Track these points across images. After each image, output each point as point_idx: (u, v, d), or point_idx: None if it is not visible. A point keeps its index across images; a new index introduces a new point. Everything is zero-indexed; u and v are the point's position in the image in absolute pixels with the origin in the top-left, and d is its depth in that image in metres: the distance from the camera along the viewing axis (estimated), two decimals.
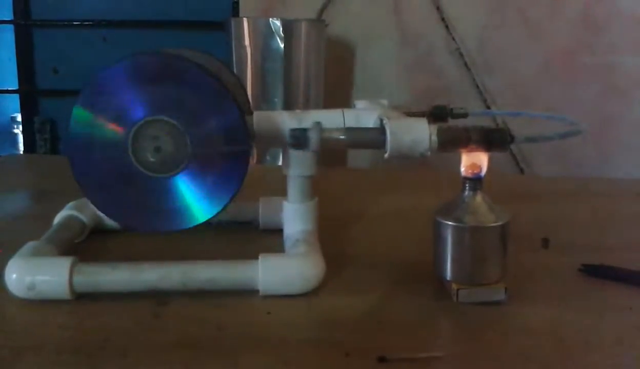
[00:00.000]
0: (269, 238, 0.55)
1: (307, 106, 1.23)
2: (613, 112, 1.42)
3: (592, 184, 0.83)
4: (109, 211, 0.43)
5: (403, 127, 0.42)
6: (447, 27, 1.43)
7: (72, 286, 0.43)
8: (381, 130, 0.43)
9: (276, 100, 1.22)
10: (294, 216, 0.51)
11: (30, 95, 1.66)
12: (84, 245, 0.53)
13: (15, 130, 1.67)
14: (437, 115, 0.57)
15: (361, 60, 1.46)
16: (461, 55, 1.42)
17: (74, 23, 1.64)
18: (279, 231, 0.54)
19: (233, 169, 0.43)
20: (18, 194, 0.74)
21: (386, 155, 0.43)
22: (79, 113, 0.42)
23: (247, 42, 1.23)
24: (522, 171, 1.44)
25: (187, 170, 0.42)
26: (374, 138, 0.43)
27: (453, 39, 1.43)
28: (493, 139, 0.43)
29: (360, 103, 0.55)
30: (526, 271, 0.49)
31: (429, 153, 0.42)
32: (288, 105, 1.21)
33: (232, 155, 0.43)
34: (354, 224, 0.61)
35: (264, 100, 1.21)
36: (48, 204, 0.60)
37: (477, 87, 1.41)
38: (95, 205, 0.43)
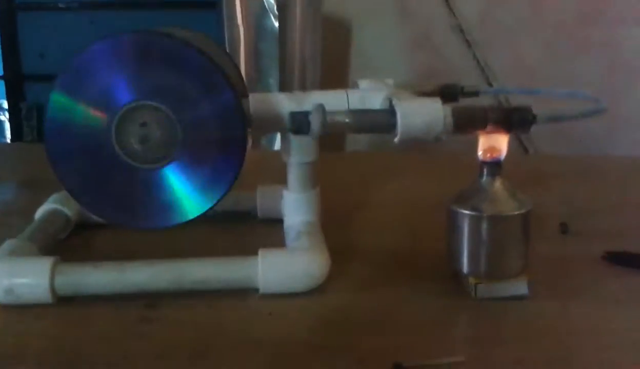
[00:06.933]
0: (268, 230, 0.51)
1: (303, 87, 1.18)
2: (619, 87, 1.37)
3: (602, 163, 0.80)
4: (91, 206, 0.39)
5: (415, 109, 0.38)
6: (447, 1, 1.38)
7: (54, 289, 0.39)
8: (391, 112, 0.39)
9: (271, 81, 1.17)
10: (295, 207, 0.47)
11: (16, 80, 1.61)
12: (68, 242, 0.49)
13: (2, 117, 1.62)
14: (446, 94, 0.53)
15: (358, 38, 1.41)
16: (462, 31, 1.37)
17: (60, 6, 1.59)
18: (279, 221, 0.51)
19: (228, 159, 0.39)
20: (4, 185, 0.70)
21: (396, 140, 0.39)
22: (57, 98, 0.38)
23: (239, 21, 1.18)
24: (526, 150, 1.40)
25: (178, 160, 0.38)
26: (383, 121, 0.39)
27: (453, 14, 1.38)
28: (514, 119, 0.39)
29: (363, 83, 0.51)
30: (546, 260, 0.45)
31: (444, 136, 0.38)
32: (284, 87, 1.17)
33: (228, 143, 0.39)
34: (357, 213, 0.57)
35: (259, 82, 1.17)
36: (36, 195, 0.55)
37: (479, 64, 1.36)
38: (76, 199, 0.39)
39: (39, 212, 0.50)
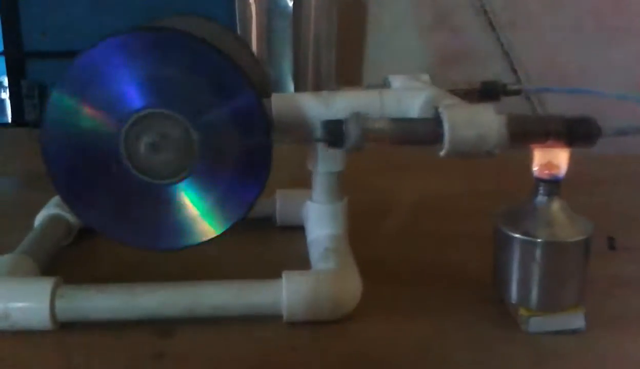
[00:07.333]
0: (289, 239, 0.47)
1: (318, 70, 1.13)
2: None
3: None
4: (95, 224, 0.35)
5: (465, 118, 0.33)
6: None
7: (55, 315, 0.35)
8: (436, 121, 0.34)
9: (284, 63, 1.12)
10: (320, 219, 0.42)
11: (16, 58, 1.55)
12: (70, 251, 0.45)
13: (3, 95, 1.57)
14: (487, 92, 0.48)
15: (374, 18, 1.34)
16: (486, 12, 1.30)
17: None
18: (300, 228, 0.46)
19: (251, 171, 0.35)
20: (7, 181, 0.65)
21: (442, 153, 0.34)
22: (59, 100, 0.34)
23: None
24: None
25: (194, 174, 0.34)
26: (427, 133, 0.34)
27: None
28: (577, 132, 0.34)
29: (396, 80, 0.46)
30: (596, 283, 0.41)
31: (497, 150, 0.34)
32: (297, 69, 1.11)
33: (251, 154, 0.34)
34: (383, 219, 0.53)
35: (271, 65, 1.11)
36: (41, 193, 0.51)
37: (503, 48, 1.30)
38: (78, 216, 0.35)
39: (39, 218, 0.45)
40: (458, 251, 0.46)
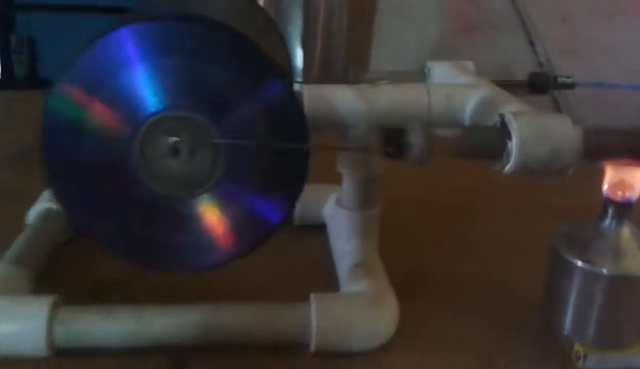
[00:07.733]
0: (309, 242, 0.42)
1: (328, 35, 1.06)
2: None
3: None
4: (105, 244, 0.30)
5: (538, 131, 0.28)
6: None
7: (53, 341, 0.30)
8: (502, 131, 0.29)
9: (293, 29, 1.05)
10: (350, 228, 0.38)
11: (6, 10, 1.46)
12: (66, 254, 0.40)
13: None
14: (535, 84, 0.43)
15: None
16: None
17: None
18: (320, 228, 0.42)
19: (282, 183, 0.30)
20: None
21: (507, 169, 0.29)
22: (61, 99, 0.28)
23: None
24: None
25: (219, 187, 0.29)
26: (493, 145, 0.29)
27: None
28: None
29: (438, 69, 0.41)
30: None
31: (571, 170, 0.29)
32: (307, 34, 1.05)
33: (282, 164, 0.29)
34: (404, 221, 0.47)
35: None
36: (30, 174, 0.45)
37: (521, 17, 1.22)
38: (86, 234, 0.30)
39: (32, 214, 0.40)
40: (500, 263, 0.41)
